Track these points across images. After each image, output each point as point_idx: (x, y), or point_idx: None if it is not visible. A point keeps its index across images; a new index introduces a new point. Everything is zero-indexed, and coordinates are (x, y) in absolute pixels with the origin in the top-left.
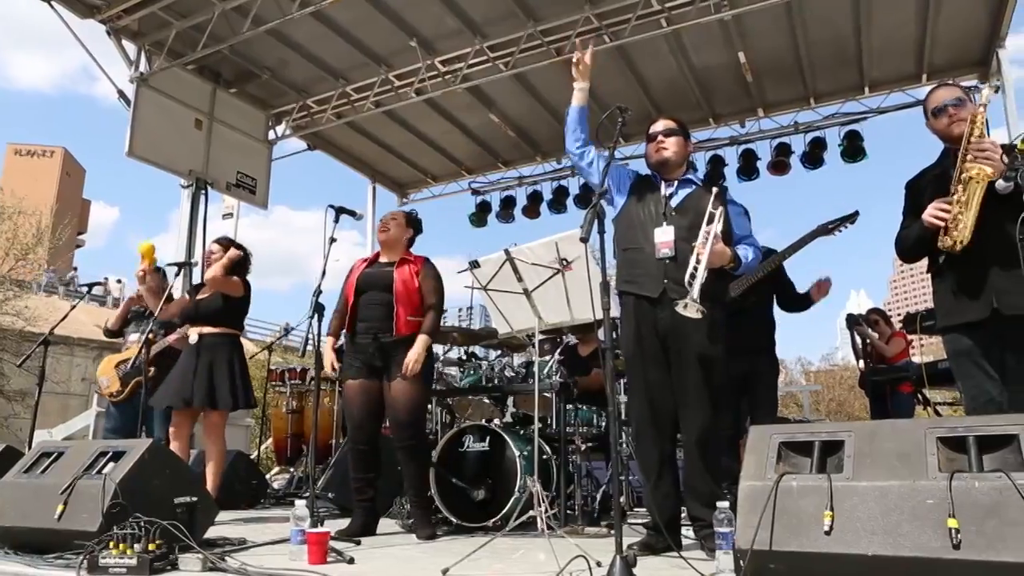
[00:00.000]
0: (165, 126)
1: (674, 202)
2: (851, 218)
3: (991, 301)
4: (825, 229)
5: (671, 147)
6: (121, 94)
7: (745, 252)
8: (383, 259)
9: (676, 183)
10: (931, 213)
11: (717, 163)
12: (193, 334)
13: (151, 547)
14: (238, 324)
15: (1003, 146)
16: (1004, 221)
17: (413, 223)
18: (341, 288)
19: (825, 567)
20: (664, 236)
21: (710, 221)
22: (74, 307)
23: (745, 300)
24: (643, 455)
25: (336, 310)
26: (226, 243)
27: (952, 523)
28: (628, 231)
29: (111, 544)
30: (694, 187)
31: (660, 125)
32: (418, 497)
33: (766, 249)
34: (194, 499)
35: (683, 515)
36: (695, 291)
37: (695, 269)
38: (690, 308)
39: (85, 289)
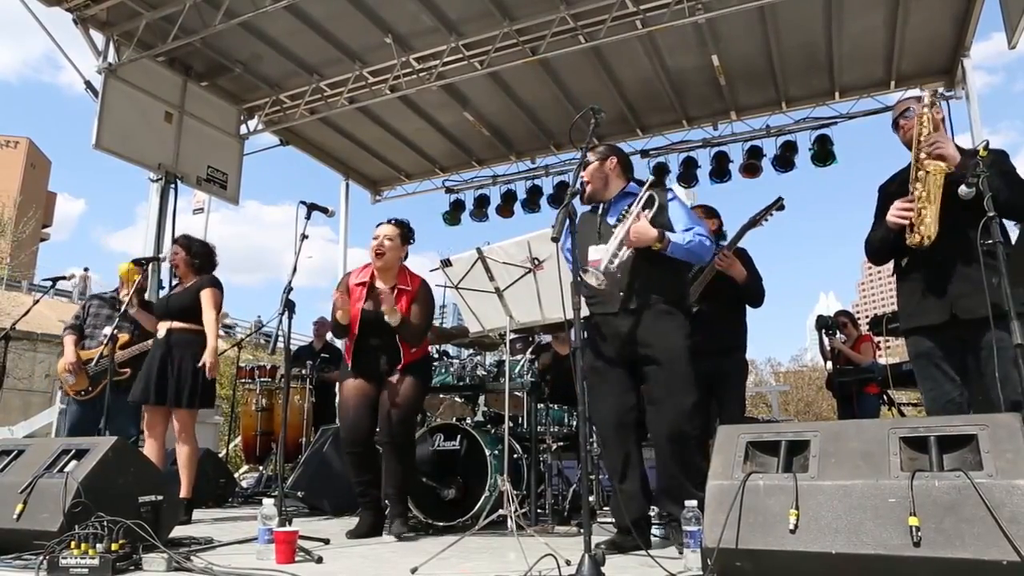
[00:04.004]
0: (134, 119)
1: (610, 219)
2: (776, 205)
3: (949, 306)
4: (754, 221)
5: (589, 177)
6: (88, 85)
7: (682, 236)
8: (379, 282)
9: (610, 202)
10: (894, 213)
11: (690, 165)
12: (161, 329)
13: (114, 547)
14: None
15: (967, 150)
16: (965, 226)
17: (408, 239)
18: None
19: (790, 565)
20: (595, 254)
21: (636, 201)
22: (37, 302)
23: (701, 302)
24: (609, 458)
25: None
26: (184, 243)
27: (913, 521)
28: (581, 258)
29: (72, 544)
30: (630, 198)
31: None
32: (398, 496)
33: None
34: (159, 498)
35: (652, 514)
36: (599, 267)
37: (613, 243)
38: (590, 276)
39: (49, 283)
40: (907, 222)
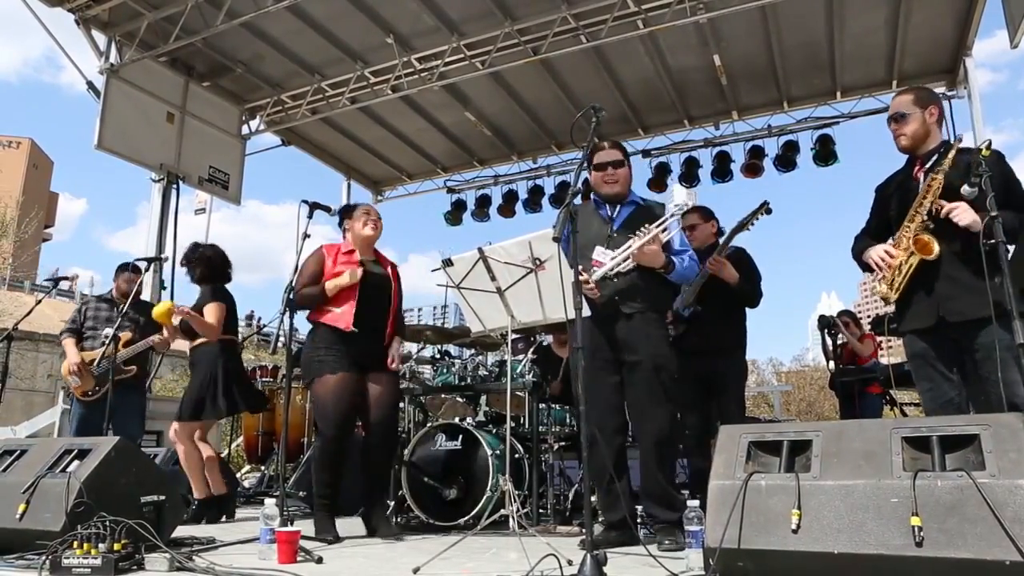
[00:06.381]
0: (136, 119)
1: (616, 223)
2: (763, 208)
3: (936, 308)
4: (741, 226)
5: (621, 179)
6: (90, 85)
7: (681, 259)
8: (361, 255)
9: (620, 206)
10: (875, 259)
11: (691, 164)
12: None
13: (116, 547)
14: (227, 330)
15: (966, 149)
16: (954, 228)
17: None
18: (307, 269)
19: (792, 565)
20: (600, 256)
21: (658, 224)
22: (39, 302)
23: (698, 303)
24: (598, 457)
25: (309, 294)
26: (185, 253)
27: (915, 521)
28: (580, 258)
29: (75, 544)
30: (635, 206)
31: (608, 156)
32: (384, 500)
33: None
34: (161, 498)
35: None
36: (602, 270)
37: (622, 255)
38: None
39: (51, 284)
40: (881, 273)
